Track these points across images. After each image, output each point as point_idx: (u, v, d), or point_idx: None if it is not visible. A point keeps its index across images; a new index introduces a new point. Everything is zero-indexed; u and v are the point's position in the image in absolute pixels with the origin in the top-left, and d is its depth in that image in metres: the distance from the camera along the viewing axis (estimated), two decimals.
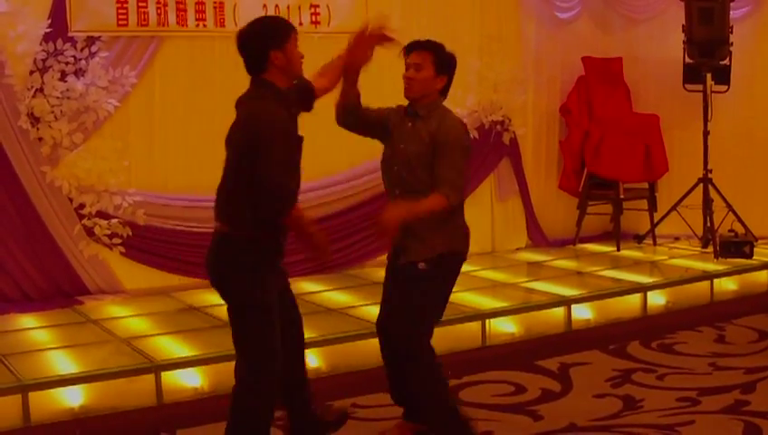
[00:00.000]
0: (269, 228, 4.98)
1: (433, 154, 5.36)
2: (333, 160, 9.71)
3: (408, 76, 5.48)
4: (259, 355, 5.00)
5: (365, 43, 5.42)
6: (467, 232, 5.61)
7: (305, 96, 5.32)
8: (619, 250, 10.70)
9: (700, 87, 10.65)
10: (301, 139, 5.08)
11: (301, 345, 5.50)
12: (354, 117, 5.64)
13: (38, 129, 8.44)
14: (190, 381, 6.72)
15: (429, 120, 5.44)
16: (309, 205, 9.32)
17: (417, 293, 5.43)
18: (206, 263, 5.10)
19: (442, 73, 5.50)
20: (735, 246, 9.98)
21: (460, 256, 5.57)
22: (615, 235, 10.93)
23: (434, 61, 5.46)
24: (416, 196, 5.33)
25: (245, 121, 4.94)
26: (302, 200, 7.94)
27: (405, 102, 5.59)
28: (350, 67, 5.47)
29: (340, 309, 8.16)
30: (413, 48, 5.51)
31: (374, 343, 7.23)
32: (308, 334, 6.98)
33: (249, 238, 4.94)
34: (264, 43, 4.94)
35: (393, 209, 5.24)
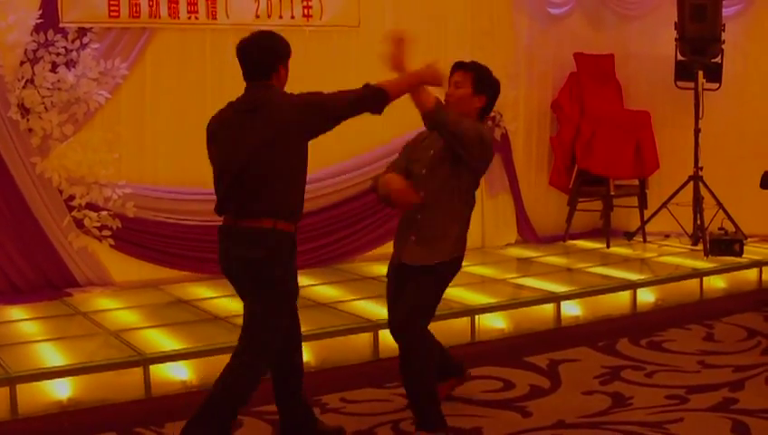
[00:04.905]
0: (298, 218, 5.33)
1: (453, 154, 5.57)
2: (322, 156, 9.68)
3: (448, 93, 5.74)
4: (269, 339, 5.29)
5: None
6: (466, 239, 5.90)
7: None
8: (608, 247, 10.71)
9: (692, 84, 10.66)
10: None
11: (300, 335, 5.72)
12: None
13: (28, 120, 8.42)
14: (179, 374, 6.70)
15: None
16: None
17: (425, 296, 5.72)
18: (241, 258, 5.25)
19: (480, 93, 5.74)
20: (725, 244, 10.00)
21: (461, 259, 5.88)
22: (605, 232, 10.95)
23: (473, 80, 5.72)
24: (439, 199, 5.63)
25: (282, 110, 5.18)
26: None
27: None
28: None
29: (329, 303, 8.15)
30: (457, 68, 5.81)
31: (364, 337, 7.28)
32: None
33: (289, 231, 5.24)
34: (278, 55, 5.30)
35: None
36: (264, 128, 5.15)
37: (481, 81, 5.75)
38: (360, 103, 5.27)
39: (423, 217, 5.68)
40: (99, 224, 8.74)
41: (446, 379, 6.31)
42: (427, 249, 5.66)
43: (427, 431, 5.59)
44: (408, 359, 5.59)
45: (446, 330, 7.40)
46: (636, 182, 11.15)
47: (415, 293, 5.66)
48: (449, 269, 5.80)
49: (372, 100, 5.29)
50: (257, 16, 9.20)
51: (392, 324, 5.74)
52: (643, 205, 11.09)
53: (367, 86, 5.30)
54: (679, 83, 10.86)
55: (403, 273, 5.76)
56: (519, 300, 8.30)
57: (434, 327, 7.47)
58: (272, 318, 5.26)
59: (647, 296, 8.86)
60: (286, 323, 5.35)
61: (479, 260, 9.97)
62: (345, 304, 8.07)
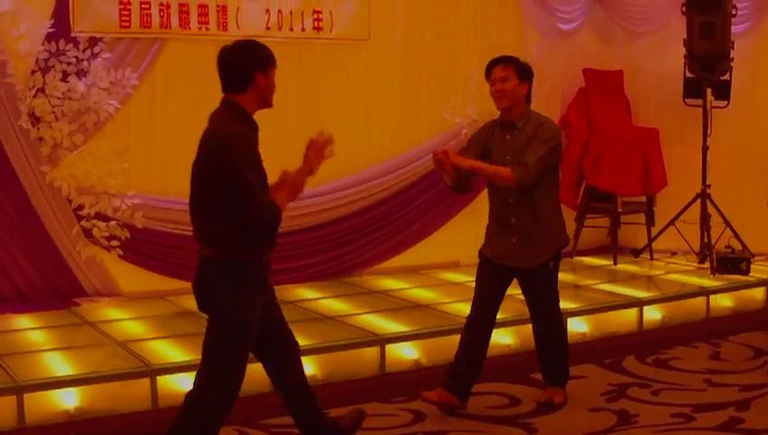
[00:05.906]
0: (255, 249, 5.02)
1: None
2: (331, 169, 9.68)
3: (497, 89, 6.20)
4: (226, 371, 5.03)
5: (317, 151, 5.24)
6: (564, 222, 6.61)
7: None
8: (615, 264, 10.70)
9: (700, 102, 10.66)
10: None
11: (297, 355, 5.52)
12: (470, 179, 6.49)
13: (39, 129, 8.43)
14: (186, 385, 6.67)
15: (525, 129, 6.18)
16: (307, 211, 9.34)
17: (554, 287, 6.57)
18: (194, 286, 5.11)
19: (524, 80, 6.23)
20: (732, 263, 9.99)
21: (567, 241, 6.66)
22: (612, 248, 10.94)
23: (516, 70, 6.20)
24: (531, 197, 6.19)
25: (212, 148, 4.97)
26: (300, 207, 7.90)
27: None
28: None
29: (336, 317, 8.15)
30: (495, 64, 6.27)
31: (371, 351, 7.27)
32: (304, 342, 6.98)
33: (236, 261, 4.97)
34: (252, 62, 5.07)
35: (462, 161, 6.13)
36: (198, 153, 5.04)
37: (522, 70, 6.23)
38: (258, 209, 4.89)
39: (518, 220, 6.30)
40: (107, 234, 8.75)
41: (452, 392, 6.38)
42: (536, 250, 6.34)
43: (561, 387, 6.58)
44: (559, 337, 6.66)
45: (452, 345, 7.40)
46: (643, 199, 11.14)
47: (545, 291, 6.54)
48: (559, 256, 6.50)
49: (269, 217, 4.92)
50: (268, 28, 9.21)
51: (539, 321, 6.65)
52: (650, 222, 11.08)
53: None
54: (688, 100, 10.86)
55: (510, 273, 6.46)
56: (525, 316, 8.25)
57: (440, 342, 7.52)
58: (219, 352, 5.01)
59: (653, 314, 8.85)
60: (239, 357, 5.03)
61: None
62: (352, 318, 8.07)
